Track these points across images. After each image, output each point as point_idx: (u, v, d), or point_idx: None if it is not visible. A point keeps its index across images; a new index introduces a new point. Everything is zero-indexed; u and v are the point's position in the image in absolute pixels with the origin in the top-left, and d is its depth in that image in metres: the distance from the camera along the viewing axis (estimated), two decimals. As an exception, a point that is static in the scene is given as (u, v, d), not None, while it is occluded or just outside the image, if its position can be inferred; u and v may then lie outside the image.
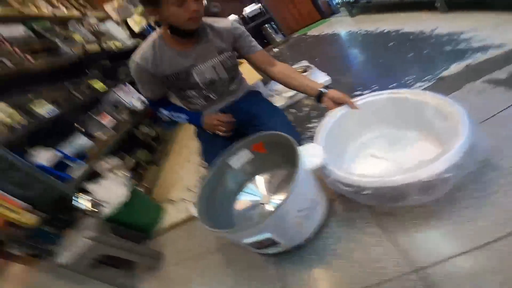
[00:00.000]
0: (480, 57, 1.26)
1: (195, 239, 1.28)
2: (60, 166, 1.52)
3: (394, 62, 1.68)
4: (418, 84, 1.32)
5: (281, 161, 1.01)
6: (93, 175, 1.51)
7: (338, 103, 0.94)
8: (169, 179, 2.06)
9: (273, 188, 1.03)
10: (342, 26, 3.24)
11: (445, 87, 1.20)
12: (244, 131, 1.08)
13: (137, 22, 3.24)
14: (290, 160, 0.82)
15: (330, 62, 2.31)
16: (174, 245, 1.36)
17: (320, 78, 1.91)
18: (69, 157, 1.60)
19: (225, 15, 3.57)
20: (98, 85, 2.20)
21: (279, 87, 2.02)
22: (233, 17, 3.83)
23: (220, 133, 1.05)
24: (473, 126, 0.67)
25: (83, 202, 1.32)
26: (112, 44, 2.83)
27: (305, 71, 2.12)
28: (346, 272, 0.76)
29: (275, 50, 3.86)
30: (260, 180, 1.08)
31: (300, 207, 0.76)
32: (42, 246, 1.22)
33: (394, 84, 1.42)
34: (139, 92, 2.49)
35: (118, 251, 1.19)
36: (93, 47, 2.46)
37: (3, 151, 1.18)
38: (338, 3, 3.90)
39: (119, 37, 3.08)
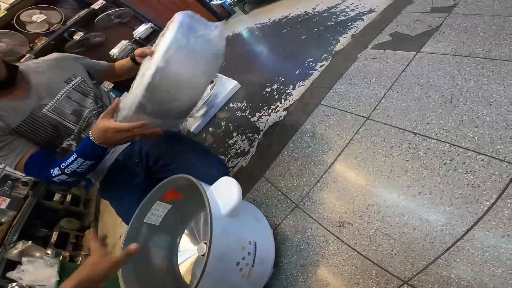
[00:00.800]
0: (360, 24, 1.30)
1: None
2: None
3: (292, 48, 1.66)
4: (319, 64, 1.30)
5: (201, 202, 0.82)
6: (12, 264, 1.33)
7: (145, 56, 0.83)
8: (113, 239, 1.67)
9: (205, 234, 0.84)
10: (240, 25, 3.21)
11: (343, 60, 1.19)
12: (156, 176, 0.89)
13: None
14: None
15: (235, 64, 2.21)
16: None
17: (229, 85, 1.77)
18: None
19: (112, 43, 3.17)
20: None
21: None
22: (124, 42, 3.42)
23: (142, 137, 0.69)
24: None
25: None
26: None
27: (211, 81, 1.95)
28: None
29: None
30: (191, 230, 0.89)
31: (237, 257, 0.62)
32: None
33: (298, 71, 1.38)
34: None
35: None
36: None
37: None
38: (230, 4, 3.87)
39: None
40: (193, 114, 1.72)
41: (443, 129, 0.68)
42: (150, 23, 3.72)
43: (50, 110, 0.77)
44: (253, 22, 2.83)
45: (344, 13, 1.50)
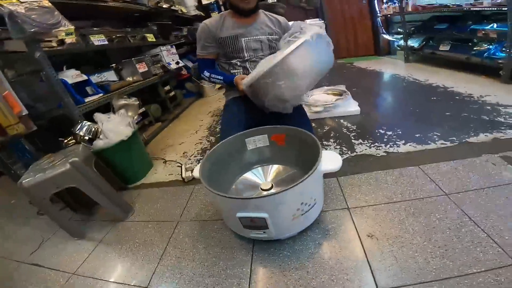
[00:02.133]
0: (510, 134, 1.30)
1: (173, 204, 1.29)
2: (80, 89, 1.65)
3: (429, 116, 1.71)
4: (441, 142, 1.36)
5: (294, 159, 1.10)
6: (106, 109, 1.59)
7: None
8: (169, 141, 2.15)
9: (278, 181, 1.10)
10: (393, 68, 3.25)
11: (465, 150, 1.25)
12: (268, 120, 1.21)
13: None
14: (305, 162, 0.90)
15: (366, 95, 2.36)
16: (149, 204, 1.34)
17: (351, 106, 1.98)
18: (93, 84, 1.77)
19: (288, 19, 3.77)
20: (151, 38, 2.51)
21: (310, 100, 2.12)
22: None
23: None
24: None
25: (83, 129, 1.39)
26: (180, 8, 3.12)
27: (340, 94, 2.19)
28: (317, 276, 0.79)
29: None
30: (271, 169, 1.17)
31: (304, 200, 0.82)
32: (11, 161, 1.30)
33: (418, 135, 1.47)
34: (184, 58, 2.92)
35: (92, 189, 1.14)
36: (165, 5, 2.80)
37: (43, 58, 1.34)
38: (399, 45, 3.88)
39: (188, 4, 3.42)
40: (310, 106, 2.02)
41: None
42: (322, 21, 4.12)
43: (245, 41, 1.25)
44: (407, 72, 2.86)
45: (506, 116, 1.48)
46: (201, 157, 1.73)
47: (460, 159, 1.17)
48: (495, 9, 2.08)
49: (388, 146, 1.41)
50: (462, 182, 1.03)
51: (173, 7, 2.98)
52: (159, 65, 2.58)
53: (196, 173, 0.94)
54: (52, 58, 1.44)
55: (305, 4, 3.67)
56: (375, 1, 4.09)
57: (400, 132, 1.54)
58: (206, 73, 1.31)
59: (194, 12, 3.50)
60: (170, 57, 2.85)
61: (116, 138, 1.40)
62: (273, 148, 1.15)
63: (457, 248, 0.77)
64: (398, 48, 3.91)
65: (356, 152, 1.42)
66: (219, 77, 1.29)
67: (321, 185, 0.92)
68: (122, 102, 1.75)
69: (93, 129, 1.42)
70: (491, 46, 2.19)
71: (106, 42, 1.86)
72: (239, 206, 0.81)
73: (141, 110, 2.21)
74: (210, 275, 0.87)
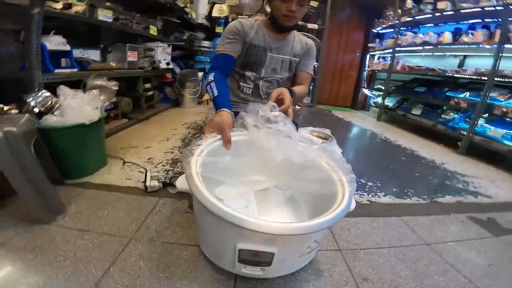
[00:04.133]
0: (470, 199, 1.54)
1: (127, 216, 1.06)
2: (55, 59, 1.49)
3: (401, 173, 1.89)
4: (415, 198, 1.51)
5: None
6: (76, 86, 1.35)
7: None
8: (133, 142, 1.91)
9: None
10: (365, 123, 3.59)
11: (436, 208, 1.42)
12: None
13: (221, 10, 3.58)
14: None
15: (345, 144, 2.55)
16: (92, 209, 1.08)
17: (337, 149, 2.11)
18: (72, 58, 1.60)
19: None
20: (153, 30, 2.41)
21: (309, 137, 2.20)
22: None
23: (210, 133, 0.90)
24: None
25: (38, 98, 1.15)
26: (191, 12, 3.16)
27: (326, 138, 2.33)
28: None
29: (297, 107, 4.00)
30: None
31: (318, 237, 0.74)
32: None
33: (395, 189, 1.60)
34: (174, 62, 2.84)
35: (18, 173, 0.85)
36: (181, 3, 2.78)
37: (38, 16, 1.22)
38: (374, 103, 4.27)
39: (200, 11, 3.45)
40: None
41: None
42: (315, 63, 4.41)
43: (269, 57, 1.13)
44: (379, 130, 3.18)
45: (465, 184, 1.74)
46: (170, 168, 1.54)
47: (433, 215, 1.32)
48: (476, 77, 2.35)
49: (371, 195, 1.50)
50: (439, 234, 1.16)
51: (186, 8, 2.96)
52: (149, 60, 2.42)
53: (182, 184, 0.74)
54: (44, 21, 1.28)
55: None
56: (368, 55, 4.52)
57: (379, 184, 1.65)
58: (211, 76, 1.03)
59: (201, 20, 3.48)
60: (163, 55, 2.74)
61: (75, 119, 1.15)
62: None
63: None
64: (373, 105, 4.33)
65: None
66: (216, 89, 0.98)
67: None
68: (99, 82, 1.48)
69: (49, 102, 1.16)
70: (456, 116, 2.52)
71: (111, 20, 1.73)
72: (243, 234, 0.65)
73: (113, 99, 1.92)
74: None
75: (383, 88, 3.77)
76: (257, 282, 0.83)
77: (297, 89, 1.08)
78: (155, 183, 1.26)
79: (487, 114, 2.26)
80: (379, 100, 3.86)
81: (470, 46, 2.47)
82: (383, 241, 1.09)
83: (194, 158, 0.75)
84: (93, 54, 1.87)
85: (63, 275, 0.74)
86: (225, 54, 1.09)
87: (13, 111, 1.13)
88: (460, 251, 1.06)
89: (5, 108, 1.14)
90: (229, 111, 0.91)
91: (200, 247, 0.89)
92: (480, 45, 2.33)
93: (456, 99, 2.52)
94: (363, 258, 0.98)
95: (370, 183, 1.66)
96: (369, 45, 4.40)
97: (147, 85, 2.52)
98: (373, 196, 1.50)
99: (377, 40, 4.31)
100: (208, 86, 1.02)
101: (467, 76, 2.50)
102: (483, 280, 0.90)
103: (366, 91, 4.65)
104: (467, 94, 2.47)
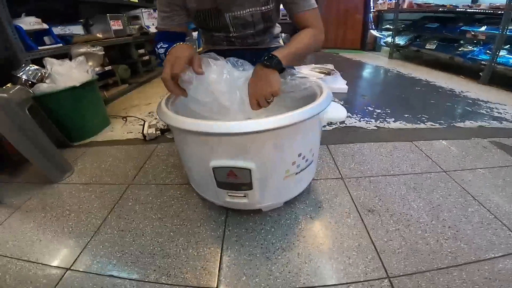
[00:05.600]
0: (494, 124, 1.31)
1: (127, 165, 1.06)
2: (38, 38, 1.53)
3: (415, 101, 1.70)
4: (430, 123, 1.34)
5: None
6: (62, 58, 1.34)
7: None
8: (134, 102, 1.93)
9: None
10: (377, 61, 3.29)
11: (455, 132, 1.23)
12: None
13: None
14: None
15: (352, 78, 2.32)
16: (95, 164, 1.09)
17: (339, 83, 1.92)
18: (53, 34, 1.61)
19: None
20: None
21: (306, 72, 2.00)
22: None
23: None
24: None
25: (28, 72, 1.19)
26: None
27: (329, 73, 2.11)
28: (311, 260, 0.63)
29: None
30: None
31: (302, 151, 0.64)
32: None
33: (406, 115, 1.43)
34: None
35: (20, 137, 0.89)
36: None
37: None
38: (385, 42, 3.94)
39: None
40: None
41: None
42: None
43: (228, 17, 0.80)
44: (391, 66, 2.90)
45: (488, 110, 1.51)
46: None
47: (451, 139, 1.14)
48: (491, 11, 2.12)
49: (378, 121, 1.35)
50: (457, 160, 0.99)
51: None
52: (136, 26, 2.37)
53: (163, 104, 0.68)
54: (13, 5, 1.29)
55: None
56: None
57: (389, 111, 1.49)
58: (158, 46, 0.76)
59: None
60: (150, 20, 2.61)
61: (66, 83, 1.16)
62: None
63: (468, 230, 0.68)
64: (384, 44, 3.97)
65: (346, 124, 1.32)
66: (166, 44, 0.74)
67: (319, 139, 0.76)
68: (83, 49, 1.53)
69: (39, 74, 1.20)
70: (475, 48, 2.25)
71: None
72: (214, 148, 0.58)
73: (107, 68, 1.96)
74: (164, 255, 0.65)
75: (391, 27, 3.49)
76: (249, 216, 0.75)
77: (293, 44, 0.70)
78: (153, 131, 1.28)
79: (508, 45, 2.03)
80: (390, 39, 3.55)
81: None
82: (391, 167, 0.95)
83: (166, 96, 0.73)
84: (75, 29, 1.88)
85: (68, 227, 0.78)
86: (166, 31, 0.80)
87: (8, 85, 1.14)
88: (483, 180, 0.88)
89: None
90: (184, 43, 0.65)
91: (190, 183, 0.84)
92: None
93: (472, 33, 2.28)
94: (368, 187, 0.86)
95: (378, 110, 1.50)
96: (372, -15, 3.90)
97: (141, 51, 2.56)
98: (381, 122, 1.34)
99: (380, -21, 3.80)
100: (157, 51, 0.76)
101: (481, 10, 2.26)
102: (510, 218, 0.72)
103: (374, 32, 4.27)
104: (484, 28, 2.23)
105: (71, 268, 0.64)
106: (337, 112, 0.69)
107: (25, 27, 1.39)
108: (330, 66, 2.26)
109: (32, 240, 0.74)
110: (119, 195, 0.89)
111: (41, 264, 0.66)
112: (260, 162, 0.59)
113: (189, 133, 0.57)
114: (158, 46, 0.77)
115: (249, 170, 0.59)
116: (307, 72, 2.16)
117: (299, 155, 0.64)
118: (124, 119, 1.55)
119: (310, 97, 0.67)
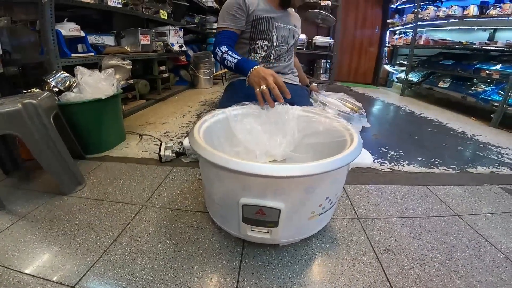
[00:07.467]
0: (505, 170, 1.37)
1: (141, 184, 1.07)
2: (72, 45, 1.60)
3: (428, 143, 1.75)
4: (443, 167, 1.38)
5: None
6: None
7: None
8: (151, 119, 1.97)
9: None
10: (389, 98, 3.38)
11: (468, 178, 1.27)
12: None
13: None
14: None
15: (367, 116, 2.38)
16: (109, 179, 1.10)
17: (362, 122, 1.93)
18: (87, 43, 1.66)
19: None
20: (163, 15, 2.45)
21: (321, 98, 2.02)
22: (303, 36, 4.03)
23: (263, 90, 0.85)
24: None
25: (58, 78, 1.21)
26: None
27: (355, 110, 2.13)
28: None
29: (314, 84, 3.92)
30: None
31: (330, 194, 0.68)
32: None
33: (420, 159, 1.48)
34: (187, 45, 2.91)
35: (40, 144, 0.88)
36: None
37: (49, 7, 1.29)
38: (397, 78, 4.05)
39: None
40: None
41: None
42: (332, 40, 4.20)
43: (276, 26, 1.19)
44: (402, 104, 2.98)
45: (499, 155, 1.56)
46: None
47: (464, 185, 1.19)
48: (508, 48, 2.21)
49: (393, 164, 1.39)
50: (470, 205, 1.04)
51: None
52: (162, 43, 2.49)
53: (186, 141, 0.73)
54: (57, 10, 1.35)
55: (320, 21, 3.76)
56: (388, 31, 4.27)
57: (402, 153, 1.54)
58: (224, 48, 1.01)
59: (211, 3, 3.47)
60: (175, 38, 2.79)
61: (92, 94, 1.19)
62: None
63: (480, 268, 0.73)
64: (396, 80, 4.08)
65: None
66: (235, 55, 0.98)
67: (343, 183, 0.80)
68: (113, 62, 1.58)
69: (68, 82, 1.21)
70: (488, 88, 2.31)
71: (120, 6, 1.75)
72: (246, 186, 0.60)
73: (130, 81, 2.06)
74: (177, 283, 0.63)
75: (405, 63, 3.57)
76: (265, 249, 0.79)
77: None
78: (169, 153, 1.29)
79: (522, 86, 2.07)
80: (402, 75, 3.65)
81: (499, 19, 2.33)
82: (406, 210, 1.00)
83: (199, 121, 0.78)
84: (108, 40, 1.96)
85: (75, 243, 0.76)
86: (228, 31, 1.10)
87: (35, 90, 1.19)
88: (495, 224, 0.93)
89: (28, 91, 1.22)
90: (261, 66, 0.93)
91: (208, 212, 0.86)
92: (509, 18, 2.20)
93: (487, 71, 2.34)
94: (383, 228, 0.90)
95: (392, 152, 1.55)
96: (389, 20, 4.18)
97: (162, 68, 2.63)
98: (395, 165, 1.39)
99: (397, 15, 4.11)
100: (224, 56, 1.01)
101: (497, 48, 2.35)
102: (521, 257, 0.77)
103: (387, 67, 4.41)
104: (499, 66, 2.30)
105: (76, 286, 0.62)
106: (364, 159, 0.74)
107: (64, 32, 1.43)
108: (358, 104, 2.26)
109: (34, 252, 0.72)
110: (131, 215, 0.88)
111: (42, 279, 0.63)
112: (290, 203, 0.63)
113: (223, 169, 0.57)
114: (222, 47, 1.03)
115: (279, 210, 0.63)
116: (334, 101, 2.11)
117: (326, 198, 0.69)
118: (140, 137, 1.58)
119: (339, 142, 0.77)
